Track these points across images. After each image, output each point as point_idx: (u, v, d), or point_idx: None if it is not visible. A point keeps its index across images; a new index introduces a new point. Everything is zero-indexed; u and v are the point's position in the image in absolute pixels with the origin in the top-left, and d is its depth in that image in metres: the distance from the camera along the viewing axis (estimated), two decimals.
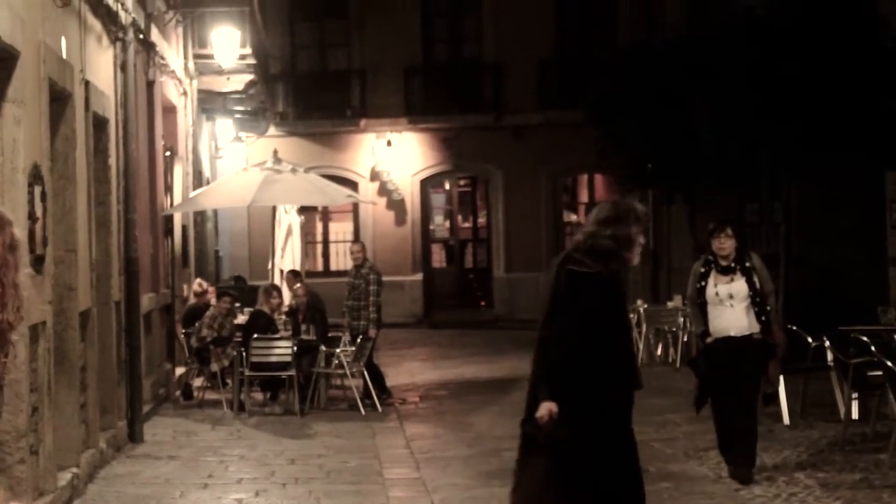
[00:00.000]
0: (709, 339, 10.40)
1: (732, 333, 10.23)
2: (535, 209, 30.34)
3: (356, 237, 28.86)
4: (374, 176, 30.46)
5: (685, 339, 18.57)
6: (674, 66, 20.48)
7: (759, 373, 10.43)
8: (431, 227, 31.57)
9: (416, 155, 30.62)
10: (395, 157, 30.35)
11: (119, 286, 12.92)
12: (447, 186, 31.83)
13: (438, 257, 31.75)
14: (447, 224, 31.89)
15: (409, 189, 30.60)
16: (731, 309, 10.24)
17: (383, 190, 30.38)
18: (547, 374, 6.48)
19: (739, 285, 10.26)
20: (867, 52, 17.28)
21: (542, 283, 26.72)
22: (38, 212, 9.03)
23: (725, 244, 10.28)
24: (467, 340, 25.43)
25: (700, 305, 10.46)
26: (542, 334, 6.54)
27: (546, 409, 6.41)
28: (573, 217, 31.65)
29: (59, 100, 10.35)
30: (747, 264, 10.33)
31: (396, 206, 30.51)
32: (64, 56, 10.39)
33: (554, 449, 6.43)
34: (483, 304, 31.09)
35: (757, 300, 10.21)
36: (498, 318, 29.82)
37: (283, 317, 16.85)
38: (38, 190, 9.01)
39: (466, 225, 31.89)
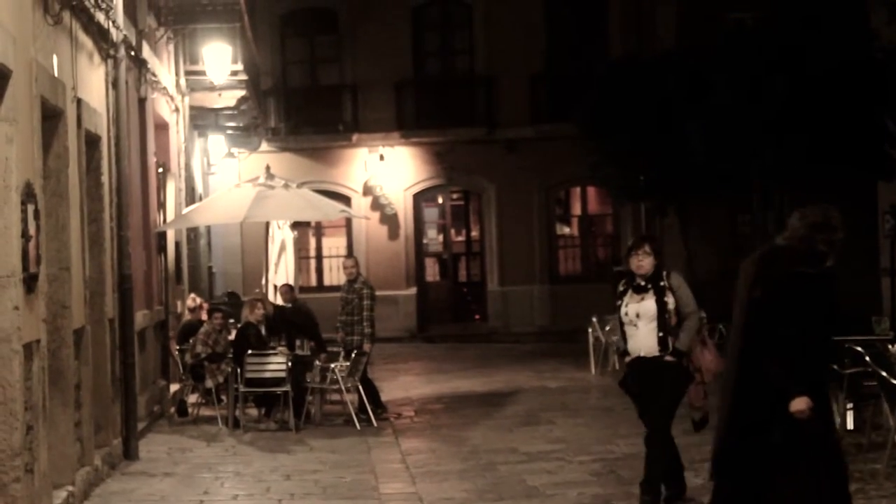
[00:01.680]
0: (627, 359, 10.08)
1: (642, 354, 9.83)
2: (528, 222, 30.33)
3: (349, 252, 28.79)
4: (367, 191, 30.44)
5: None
6: (665, 79, 20.53)
7: (671, 396, 9.87)
8: (425, 241, 31.53)
9: (408, 169, 30.61)
10: (387, 172, 30.34)
11: (113, 303, 12.91)
12: (440, 200, 31.80)
13: (432, 271, 31.70)
14: (440, 238, 31.84)
15: (401, 203, 30.58)
16: (638, 329, 9.82)
17: (376, 204, 30.35)
18: (792, 370, 6.84)
19: (648, 305, 9.78)
20: (858, 65, 17.31)
21: (536, 296, 26.37)
22: (32, 230, 9.03)
23: (644, 262, 9.79)
24: (462, 354, 25.41)
25: (622, 324, 10.10)
26: (780, 332, 6.86)
27: (805, 402, 6.78)
28: (566, 230, 31.67)
29: (51, 118, 10.34)
30: (661, 283, 9.80)
31: (389, 220, 30.49)
32: (56, 74, 10.40)
33: (826, 440, 6.89)
34: (477, 317, 31.04)
35: (665, 319, 9.72)
36: (492, 332, 29.80)
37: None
38: (31, 208, 9.01)
39: (460, 239, 31.83)
